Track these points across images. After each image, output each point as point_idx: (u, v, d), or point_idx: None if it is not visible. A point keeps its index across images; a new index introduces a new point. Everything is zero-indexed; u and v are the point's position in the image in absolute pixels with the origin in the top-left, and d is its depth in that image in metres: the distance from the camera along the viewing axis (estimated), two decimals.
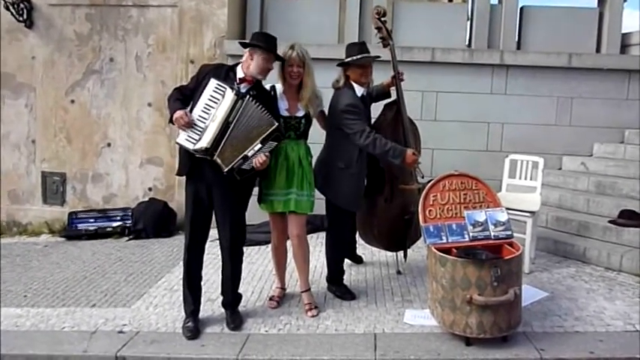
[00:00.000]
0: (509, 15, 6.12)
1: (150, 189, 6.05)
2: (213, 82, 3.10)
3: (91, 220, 5.83)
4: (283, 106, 3.49)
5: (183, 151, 3.22)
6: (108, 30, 5.99)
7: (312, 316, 3.54)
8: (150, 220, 5.63)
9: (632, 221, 4.58)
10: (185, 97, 3.22)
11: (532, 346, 3.11)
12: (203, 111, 3.09)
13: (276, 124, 3.18)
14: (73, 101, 6.07)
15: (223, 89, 3.08)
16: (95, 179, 6.13)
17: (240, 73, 3.25)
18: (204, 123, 3.08)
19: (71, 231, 5.74)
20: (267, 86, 3.48)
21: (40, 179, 6.17)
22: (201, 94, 3.12)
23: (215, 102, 3.08)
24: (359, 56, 3.64)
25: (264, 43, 3.24)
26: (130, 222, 5.74)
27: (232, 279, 3.47)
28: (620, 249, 4.43)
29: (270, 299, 3.76)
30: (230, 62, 5.74)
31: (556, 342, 3.16)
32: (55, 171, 6.15)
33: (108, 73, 6.03)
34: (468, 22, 6.38)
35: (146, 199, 5.97)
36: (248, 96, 3.11)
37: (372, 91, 4.12)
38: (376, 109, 4.11)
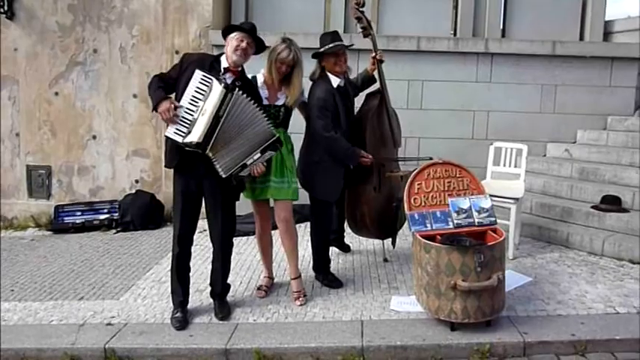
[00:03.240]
0: (494, 3, 6.15)
1: (137, 181, 6.03)
2: (198, 74, 3.06)
3: (78, 213, 5.80)
4: (263, 94, 3.50)
5: (170, 143, 3.19)
6: (91, 21, 5.93)
7: (300, 305, 3.57)
8: (137, 213, 5.62)
9: (614, 206, 4.67)
10: (167, 85, 3.18)
11: (515, 329, 3.17)
12: (190, 103, 3.06)
13: (277, 135, 3.21)
14: (57, 93, 6.01)
15: (210, 81, 3.05)
16: (81, 172, 6.09)
17: (224, 63, 3.23)
18: (192, 116, 3.05)
19: (58, 224, 5.71)
20: (249, 76, 3.47)
21: (25, 173, 6.12)
22: (186, 85, 3.09)
23: (202, 94, 3.05)
24: (331, 45, 3.64)
25: (246, 25, 3.29)
26: (117, 214, 5.72)
27: (222, 270, 3.49)
28: (602, 234, 4.51)
29: (258, 289, 3.79)
30: (215, 52, 5.73)
31: (539, 325, 3.22)
32: (40, 164, 6.11)
33: (92, 65, 5.97)
34: (453, 11, 6.39)
35: (133, 191, 5.95)
36: (237, 89, 3.09)
37: (357, 79, 4.14)
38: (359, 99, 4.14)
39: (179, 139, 3.07)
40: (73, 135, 6.05)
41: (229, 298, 3.64)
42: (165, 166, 3.39)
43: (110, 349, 3.09)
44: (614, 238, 4.39)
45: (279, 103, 3.54)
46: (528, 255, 4.44)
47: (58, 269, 4.42)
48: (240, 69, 3.29)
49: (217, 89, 3.03)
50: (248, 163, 3.15)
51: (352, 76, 4.10)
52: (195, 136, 3.03)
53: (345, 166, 3.81)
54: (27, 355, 3.11)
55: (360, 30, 4.06)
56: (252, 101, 3.13)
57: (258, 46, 3.35)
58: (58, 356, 3.09)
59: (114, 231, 5.56)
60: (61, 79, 6.00)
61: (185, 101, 3.07)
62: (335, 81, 3.70)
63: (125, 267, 4.42)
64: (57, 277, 4.23)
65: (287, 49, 3.42)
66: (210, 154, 3.08)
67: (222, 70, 3.21)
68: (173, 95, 3.17)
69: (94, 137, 6.04)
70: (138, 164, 6.01)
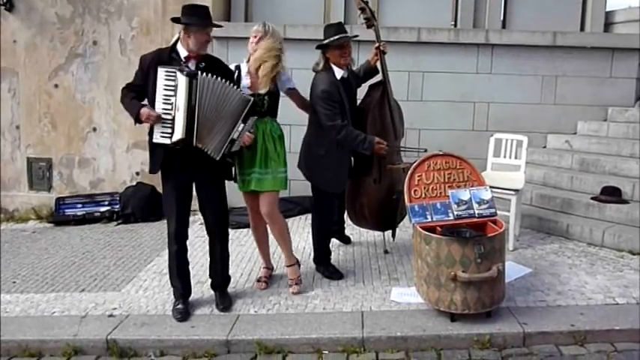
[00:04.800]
0: None
1: (137, 173, 6.03)
2: (161, 71, 3.01)
3: (79, 206, 5.81)
4: (245, 84, 3.47)
5: (152, 147, 3.19)
6: (90, 12, 5.91)
7: (294, 293, 3.59)
8: (138, 205, 5.63)
9: (614, 197, 4.67)
10: (138, 93, 3.17)
11: (515, 320, 3.19)
12: (164, 102, 3.03)
13: (250, 98, 3.19)
14: (56, 85, 6.00)
15: (173, 74, 3.00)
16: (82, 164, 6.10)
17: (183, 52, 3.14)
18: (171, 114, 3.03)
19: (59, 217, 5.72)
20: (232, 66, 3.48)
21: (26, 165, 6.13)
22: (154, 88, 3.04)
23: (172, 90, 3.01)
24: (336, 37, 3.62)
25: (197, 19, 3.10)
26: (117, 206, 5.73)
27: (222, 261, 3.51)
28: (602, 225, 4.51)
29: (258, 281, 3.81)
30: (215, 44, 5.72)
31: (538, 316, 3.24)
32: (40, 156, 6.11)
33: (91, 57, 5.96)
34: (454, 2, 6.36)
35: (134, 183, 5.96)
36: (199, 72, 3.04)
37: (359, 70, 4.12)
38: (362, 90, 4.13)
39: (167, 142, 3.06)
40: (74, 127, 6.05)
41: (230, 289, 3.66)
42: (150, 172, 3.33)
43: (112, 341, 3.11)
44: (614, 229, 4.40)
45: (262, 91, 3.48)
46: (528, 246, 4.45)
47: (60, 261, 4.43)
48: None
49: (182, 81, 2.99)
50: (235, 137, 3.14)
51: (354, 67, 4.08)
52: (178, 133, 3.03)
53: (350, 158, 3.81)
54: (29, 346, 3.13)
55: (364, 21, 4.04)
56: (219, 78, 3.08)
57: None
58: (61, 347, 3.11)
59: (115, 223, 5.58)
60: (61, 71, 5.99)
61: (159, 102, 3.04)
62: (339, 73, 3.69)
63: (126, 259, 4.44)
64: (58, 269, 4.24)
65: (258, 24, 3.50)
66: (200, 145, 3.08)
67: (184, 59, 3.14)
68: (146, 101, 3.15)
69: (95, 129, 6.04)
70: (138, 156, 6.01)
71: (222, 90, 3.09)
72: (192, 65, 3.14)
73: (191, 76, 3.00)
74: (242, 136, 3.17)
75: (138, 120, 3.09)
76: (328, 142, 3.67)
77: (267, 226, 3.69)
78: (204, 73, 3.04)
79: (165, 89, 3.02)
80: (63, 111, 6.03)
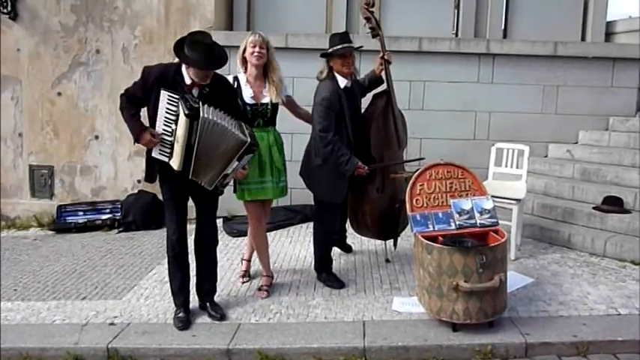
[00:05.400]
0: (496, 3, 6.17)
1: (139, 181, 6.04)
2: (165, 95, 3.01)
3: (80, 213, 5.82)
4: (248, 93, 3.52)
5: (148, 158, 3.19)
6: (94, 21, 5.94)
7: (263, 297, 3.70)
8: (139, 213, 5.63)
9: (616, 207, 4.67)
10: (137, 106, 3.15)
11: (517, 330, 3.18)
12: (165, 124, 3.05)
13: (248, 140, 3.08)
14: (59, 94, 6.02)
15: (176, 102, 3.00)
16: (84, 172, 6.11)
17: (187, 79, 3.10)
18: (171, 138, 3.06)
19: (60, 224, 5.73)
20: (230, 77, 3.50)
21: (28, 172, 6.14)
22: (155, 107, 3.04)
23: (173, 114, 3.02)
24: (340, 46, 3.65)
25: (198, 57, 2.99)
26: (119, 214, 5.73)
27: (214, 269, 3.53)
28: (604, 235, 4.51)
29: (259, 290, 3.80)
30: None
31: (541, 326, 3.23)
32: (42, 164, 6.12)
33: (94, 65, 5.99)
34: (455, 12, 6.40)
35: (135, 191, 5.96)
36: (201, 111, 2.99)
37: (365, 80, 4.13)
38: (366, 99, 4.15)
39: (165, 159, 3.11)
40: (76, 135, 6.06)
41: (231, 298, 3.66)
42: (146, 181, 3.35)
43: (113, 349, 3.10)
44: (616, 239, 4.39)
45: (265, 100, 3.56)
46: (530, 256, 4.44)
47: (61, 269, 4.43)
48: None
49: (182, 119, 2.98)
50: (229, 172, 3.16)
51: (358, 76, 4.09)
52: (175, 164, 3.08)
53: None
54: (30, 354, 3.12)
55: (369, 30, 4.07)
56: (221, 112, 3.07)
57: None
58: (61, 356, 3.10)
59: (116, 231, 5.58)
60: (64, 79, 6.01)
61: (160, 123, 3.06)
62: (342, 82, 3.71)
63: (127, 267, 4.43)
64: (60, 277, 4.24)
65: (252, 34, 3.55)
66: (194, 179, 3.13)
67: (188, 84, 3.10)
68: (144, 110, 3.15)
69: (97, 137, 6.05)
70: (140, 164, 6.00)
71: (221, 131, 3.06)
72: (195, 92, 3.12)
73: (192, 118, 2.97)
74: (235, 172, 3.22)
75: (137, 141, 3.11)
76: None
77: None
78: (206, 113, 3.00)
79: (167, 113, 3.04)
80: (65, 119, 6.05)
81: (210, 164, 3.11)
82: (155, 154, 3.12)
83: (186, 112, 2.97)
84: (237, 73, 3.65)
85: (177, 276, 3.41)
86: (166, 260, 3.47)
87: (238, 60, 3.63)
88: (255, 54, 3.50)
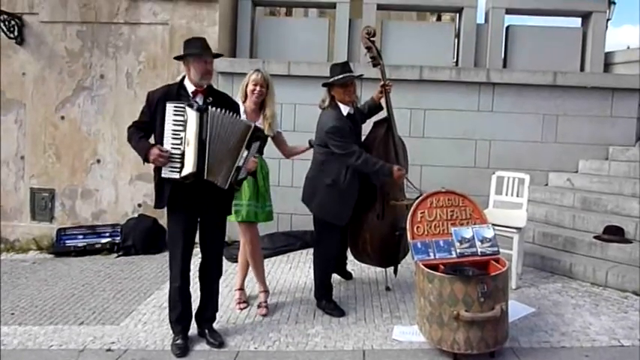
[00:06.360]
0: (496, 34, 6.25)
1: (139, 205, 6.05)
2: (170, 107, 3.02)
3: (80, 237, 5.80)
4: None
5: (159, 182, 3.17)
6: (99, 47, 6.04)
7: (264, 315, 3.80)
8: (139, 237, 5.62)
9: (617, 237, 4.66)
10: (145, 131, 3.18)
11: None
12: (173, 138, 3.05)
13: (252, 123, 3.21)
14: (63, 117, 6.08)
15: (182, 109, 3.03)
16: (84, 195, 6.12)
17: (190, 87, 3.19)
18: (180, 149, 3.05)
19: (59, 247, 5.71)
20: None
21: (29, 195, 6.16)
22: (162, 123, 3.06)
23: (181, 125, 3.04)
24: (341, 76, 3.71)
25: (194, 49, 3.19)
26: (119, 238, 5.72)
27: (215, 296, 3.51)
28: (606, 264, 4.49)
29: (259, 306, 3.83)
30: (220, 79, 5.82)
31: (542, 357, 3.19)
32: (43, 187, 6.14)
33: (98, 90, 6.06)
34: (455, 41, 6.50)
35: (135, 215, 5.96)
36: (209, 107, 3.08)
37: (365, 107, 4.18)
38: (367, 125, 4.19)
39: (176, 176, 3.07)
40: (78, 159, 6.10)
41: (230, 325, 3.63)
42: (155, 207, 3.28)
43: None
44: (618, 269, 4.37)
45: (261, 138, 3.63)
46: (531, 285, 4.41)
47: (59, 293, 4.40)
48: (206, 86, 3.26)
49: (192, 115, 3.03)
50: (240, 164, 3.16)
51: (359, 104, 4.14)
52: (189, 167, 3.04)
53: (357, 191, 3.83)
54: None
55: (370, 60, 4.13)
56: (228, 111, 3.13)
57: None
58: None
59: (115, 255, 5.56)
60: (68, 103, 6.08)
61: (168, 138, 3.06)
62: (345, 109, 3.77)
63: (126, 292, 4.40)
64: (57, 301, 4.21)
65: (256, 71, 3.79)
66: (210, 178, 3.10)
67: (191, 94, 3.18)
68: (154, 138, 3.17)
69: (98, 161, 6.09)
70: (141, 189, 6.03)
71: (230, 121, 3.13)
72: (199, 100, 3.17)
73: (201, 111, 3.04)
74: (247, 162, 3.21)
75: (146, 159, 3.09)
76: (336, 173, 3.72)
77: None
78: (213, 107, 3.08)
79: (175, 124, 3.04)
80: (68, 142, 6.09)
81: (223, 158, 3.11)
82: (165, 174, 3.09)
83: (195, 106, 3.04)
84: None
85: (178, 306, 3.35)
86: (165, 285, 3.43)
87: (240, 91, 3.82)
88: (256, 92, 3.75)
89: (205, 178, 3.08)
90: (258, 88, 3.73)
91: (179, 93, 3.18)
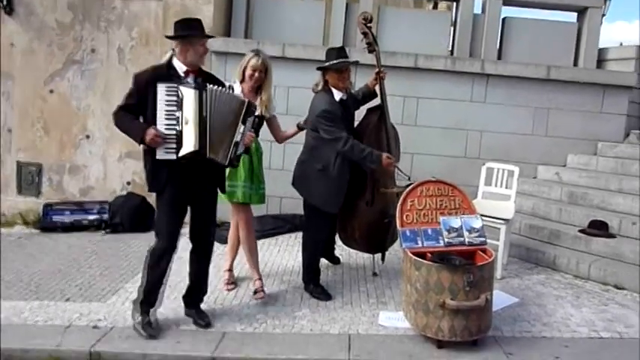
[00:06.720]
0: (492, 25, 6.25)
1: (128, 183, 6.01)
2: (162, 87, 3.00)
3: (67, 213, 5.73)
4: None
5: (153, 164, 3.12)
6: (90, 20, 5.93)
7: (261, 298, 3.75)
8: (127, 215, 5.59)
9: (601, 231, 4.73)
10: (134, 114, 3.09)
11: (501, 350, 3.20)
12: (167, 118, 3.02)
13: (245, 99, 3.22)
14: (52, 91, 5.99)
15: (175, 89, 3.01)
16: (72, 171, 6.06)
17: (181, 67, 3.14)
18: (175, 129, 3.02)
19: (46, 223, 5.65)
20: (226, 85, 3.54)
21: (16, 169, 6.08)
22: (154, 105, 3.02)
23: (175, 105, 3.01)
24: (336, 61, 3.69)
25: (196, 30, 3.14)
26: (106, 215, 5.68)
27: (206, 276, 3.51)
28: (589, 258, 4.56)
29: (255, 293, 3.79)
30: (214, 59, 5.77)
31: (524, 346, 3.26)
32: (31, 161, 6.06)
33: (89, 64, 5.97)
34: (452, 30, 6.48)
35: (124, 192, 5.92)
36: (207, 85, 3.07)
37: (359, 93, 4.17)
38: (360, 112, 4.18)
39: (172, 157, 3.05)
40: (67, 133, 6.02)
41: (218, 306, 3.65)
42: (150, 190, 3.23)
43: (96, 353, 3.07)
44: (600, 263, 4.45)
45: (256, 113, 3.59)
46: (516, 276, 4.48)
47: (46, 268, 4.38)
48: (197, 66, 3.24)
49: (190, 94, 3.00)
50: (238, 139, 3.17)
51: (353, 90, 4.13)
52: (190, 145, 3.02)
53: (348, 179, 3.83)
54: (12, 355, 3.07)
55: (365, 45, 4.11)
56: (224, 88, 3.16)
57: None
58: (43, 358, 3.06)
59: (103, 232, 5.53)
60: (57, 77, 5.98)
61: (161, 119, 3.02)
62: (337, 95, 3.76)
63: (113, 269, 4.39)
64: (43, 277, 4.19)
65: (256, 56, 3.70)
66: (212, 156, 3.09)
67: (183, 74, 3.14)
68: (145, 120, 3.12)
69: (88, 137, 6.02)
70: (130, 166, 5.99)
71: (227, 98, 3.15)
72: (191, 80, 3.14)
73: (201, 89, 3.02)
74: (244, 137, 3.21)
75: (142, 141, 3.03)
76: (326, 159, 3.72)
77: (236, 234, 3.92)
78: (210, 85, 3.07)
79: (167, 104, 3.01)
80: (57, 117, 6.01)
81: (223, 135, 3.10)
82: (160, 155, 3.05)
83: (194, 85, 3.02)
84: (232, 82, 3.73)
85: (158, 285, 3.29)
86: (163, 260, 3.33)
87: (238, 72, 3.75)
88: (254, 78, 3.71)
89: (207, 155, 3.06)
90: (256, 74, 3.68)
91: (169, 73, 3.12)
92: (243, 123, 3.17)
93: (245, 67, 3.71)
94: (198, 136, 3.02)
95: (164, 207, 3.24)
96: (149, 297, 3.29)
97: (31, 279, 4.14)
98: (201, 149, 3.04)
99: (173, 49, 3.18)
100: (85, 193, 6.04)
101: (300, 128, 3.99)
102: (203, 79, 3.17)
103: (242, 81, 3.74)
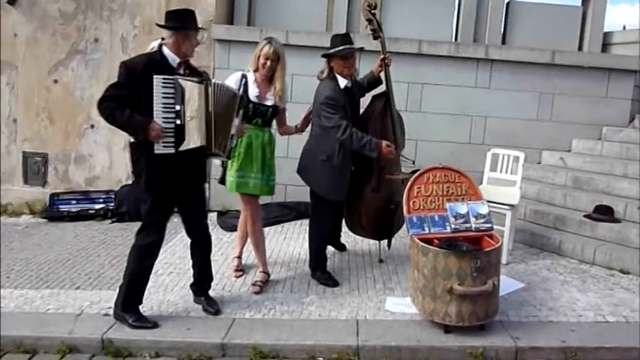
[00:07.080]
0: (496, 9, 6.22)
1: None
2: (158, 80, 2.92)
3: (74, 202, 5.77)
4: (255, 92, 3.64)
5: (147, 161, 3.04)
6: (93, 9, 5.91)
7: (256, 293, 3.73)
8: (133, 204, 5.59)
9: (606, 216, 4.74)
10: (125, 105, 2.94)
11: (507, 334, 3.23)
12: (165, 111, 2.96)
13: (239, 93, 3.28)
14: (56, 81, 5.98)
15: (172, 82, 2.96)
16: (78, 161, 6.08)
17: (173, 58, 3.06)
18: (174, 123, 2.98)
19: (53, 212, 5.68)
20: (239, 74, 3.61)
21: (21, 159, 6.10)
22: (150, 96, 2.93)
23: (172, 97, 2.97)
24: (341, 48, 3.68)
25: (191, 23, 3.10)
26: (112, 205, 5.71)
27: (209, 265, 3.54)
28: (594, 243, 4.58)
29: (254, 284, 3.82)
30: (217, 47, 5.75)
31: (530, 331, 3.29)
32: (36, 151, 6.08)
33: (92, 54, 5.95)
34: (455, 16, 6.44)
35: (129, 181, 5.93)
36: (209, 79, 3.08)
37: (364, 80, 4.16)
38: (365, 99, 4.18)
39: (172, 151, 3.01)
40: (71, 123, 6.03)
41: (226, 293, 3.68)
42: (147, 189, 3.12)
43: (108, 340, 3.10)
44: (606, 248, 4.47)
45: (268, 103, 3.69)
46: (521, 261, 4.50)
47: (54, 258, 4.42)
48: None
49: (195, 89, 2.98)
50: (233, 132, 3.20)
51: (358, 77, 4.12)
52: (197, 140, 3.01)
53: (351, 167, 3.83)
54: (24, 342, 3.11)
55: (370, 32, 4.09)
56: (221, 82, 3.18)
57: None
58: (56, 345, 3.09)
59: (109, 221, 5.56)
60: (61, 66, 5.97)
61: (159, 112, 2.95)
62: (342, 82, 3.75)
63: (121, 257, 4.38)
64: (53, 266, 4.22)
65: (268, 44, 3.65)
66: (216, 150, 3.10)
67: (177, 65, 3.09)
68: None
69: (92, 126, 6.02)
70: None
71: (226, 91, 3.17)
72: (182, 72, 3.11)
73: (205, 83, 3.02)
74: (238, 130, 3.26)
75: (145, 136, 2.95)
76: (330, 148, 3.72)
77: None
78: (213, 80, 3.10)
79: (165, 97, 2.95)
80: (61, 106, 6.01)
81: (225, 128, 3.12)
82: (158, 150, 2.99)
83: (198, 79, 3.02)
84: (246, 72, 3.69)
85: (145, 282, 3.29)
86: (155, 254, 3.31)
87: (252, 61, 3.70)
88: (267, 67, 3.65)
89: (212, 150, 3.08)
90: (268, 62, 3.62)
91: (162, 63, 3.05)
92: (237, 116, 3.20)
93: (259, 56, 3.66)
94: (204, 132, 3.02)
95: (157, 201, 3.16)
96: (137, 293, 3.27)
97: (40, 268, 4.18)
98: (208, 144, 3.05)
99: (163, 38, 3.10)
100: (90, 182, 6.07)
101: (297, 129, 3.98)
102: (190, 72, 3.16)
103: (256, 70, 3.70)
